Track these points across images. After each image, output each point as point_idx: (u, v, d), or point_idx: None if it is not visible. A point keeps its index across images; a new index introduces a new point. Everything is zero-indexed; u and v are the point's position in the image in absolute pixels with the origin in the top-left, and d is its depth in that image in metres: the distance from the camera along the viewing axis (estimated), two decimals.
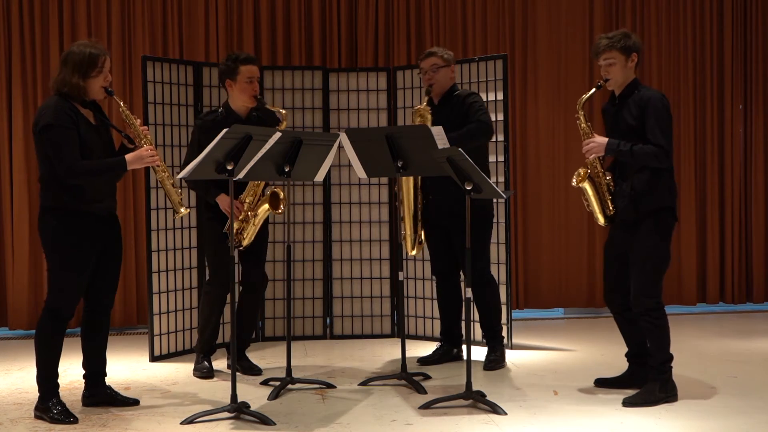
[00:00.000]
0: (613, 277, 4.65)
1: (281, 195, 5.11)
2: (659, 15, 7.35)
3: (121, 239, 4.56)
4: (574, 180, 4.56)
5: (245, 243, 5.13)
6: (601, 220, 4.59)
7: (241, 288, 5.42)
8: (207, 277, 5.38)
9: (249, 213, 5.11)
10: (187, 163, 4.93)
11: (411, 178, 5.27)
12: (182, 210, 4.60)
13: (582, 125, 4.60)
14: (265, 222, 5.24)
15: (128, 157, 4.36)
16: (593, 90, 4.58)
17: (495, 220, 5.50)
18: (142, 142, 4.42)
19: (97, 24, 6.70)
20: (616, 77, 4.51)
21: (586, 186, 4.55)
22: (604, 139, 4.47)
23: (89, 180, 4.28)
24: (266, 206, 5.09)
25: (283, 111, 5.20)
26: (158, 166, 4.48)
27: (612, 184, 4.55)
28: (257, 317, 5.60)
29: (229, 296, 5.77)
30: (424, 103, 5.29)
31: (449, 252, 5.38)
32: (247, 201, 5.12)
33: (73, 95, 4.30)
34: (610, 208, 4.54)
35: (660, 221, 4.44)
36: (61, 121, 4.21)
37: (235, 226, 5.07)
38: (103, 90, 4.37)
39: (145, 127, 4.49)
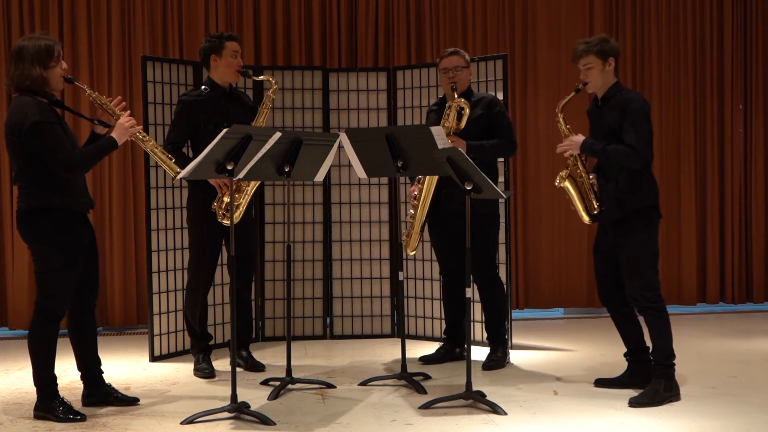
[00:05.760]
0: (604, 276, 4.73)
1: None
2: (659, 15, 7.35)
3: (95, 237, 4.55)
4: (557, 180, 4.69)
5: (239, 211, 5.08)
6: (585, 218, 4.67)
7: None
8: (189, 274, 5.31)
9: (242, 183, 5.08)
10: (170, 138, 5.14)
11: (433, 182, 5.22)
12: (178, 171, 4.59)
13: (562, 128, 4.74)
14: (250, 219, 5.23)
15: (114, 133, 4.36)
16: (572, 93, 4.70)
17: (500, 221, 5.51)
18: (119, 114, 4.43)
19: (97, 24, 6.70)
20: (594, 81, 4.62)
21: (568, 185, 4.66)
22: (580, 138, 4.61)
23: (85, 169, 4.31)
24: None
25: (272, 79, 5.22)
26: (144, 136, 4.53)
27: (596, 183, 4.63)
28: (251, 312, 5.56)
29: (227, 294, 5.81)
30: (457, 95, 5.18)
31: (457, 253, 5.36)
32: None
33: (36, 89, 4.23)
34: (595, 206, 4.62)
35: (646, 219, 4.52)
36: (48, 117, 4.19)
37: (227, 200, 5.04)
38: (62, 79, 4.34)
39: (115, 100, 4.48)
